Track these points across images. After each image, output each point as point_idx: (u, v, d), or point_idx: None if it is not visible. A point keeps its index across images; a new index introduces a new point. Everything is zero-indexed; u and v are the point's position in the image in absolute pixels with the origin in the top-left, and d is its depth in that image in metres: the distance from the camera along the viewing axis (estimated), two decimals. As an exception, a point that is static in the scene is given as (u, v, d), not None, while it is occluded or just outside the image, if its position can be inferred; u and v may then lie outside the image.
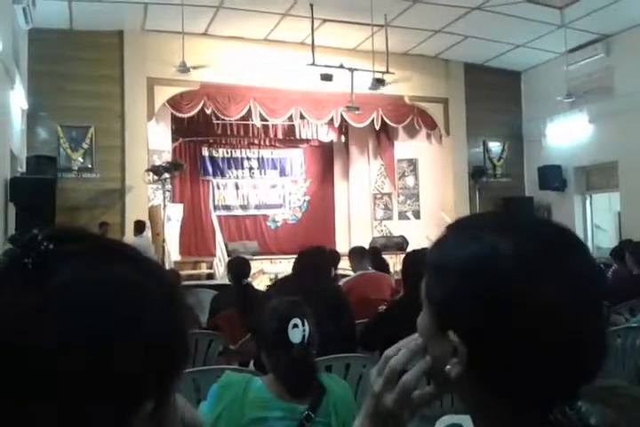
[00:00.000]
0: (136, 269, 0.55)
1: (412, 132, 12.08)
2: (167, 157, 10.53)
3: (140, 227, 8.56)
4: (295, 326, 1.89)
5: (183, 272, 9.58)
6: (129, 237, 8.65)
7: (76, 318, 0.49)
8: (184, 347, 0.58)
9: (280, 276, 6.35)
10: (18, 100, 7.71)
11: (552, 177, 10.71)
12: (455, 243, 0.67)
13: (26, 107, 8.33)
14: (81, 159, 9.05)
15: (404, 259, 3.75)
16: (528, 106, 11.73)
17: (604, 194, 10.58)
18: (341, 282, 4.92)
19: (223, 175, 13.17)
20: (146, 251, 7.90)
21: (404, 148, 12.44)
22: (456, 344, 0.62)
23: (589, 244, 10.48)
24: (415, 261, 3.47)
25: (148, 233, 8.95)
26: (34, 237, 0.51)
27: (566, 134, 10.61)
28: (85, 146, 9.07)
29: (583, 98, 9.94)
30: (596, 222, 10.71)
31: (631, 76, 9.24)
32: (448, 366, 0.63)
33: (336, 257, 5.63)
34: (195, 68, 9.03)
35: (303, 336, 1.88)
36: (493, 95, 11.35)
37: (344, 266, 6.04)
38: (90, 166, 9.09)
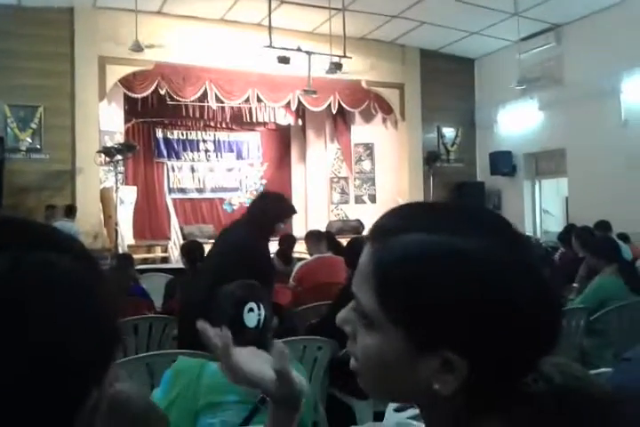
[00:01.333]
0: (63, 255, 0.51)
1: (368, 117, 12.13)
2: (120, 138, 10.27)
3: (69, 211, 8.22)
4: (251, 309, 1.91)
5: (137, 256, 9.43)
6: (79, 218, 8.45)
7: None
8: (120, 331, 0.57)
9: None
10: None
11: (502, 163, 10.97)
12: (416, 250, 0.59)
13: (-30, 84, 8.00)
14: (29, 139, 8.75)
15: (349, 246, 3.79)
16: (481, 93, 11.93)
17: (553, 180, 10.91)
18: (297, 265, 4.96)
19: (178, 158, 12.96)
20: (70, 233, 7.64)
21: (360, 132, 12.50)
22: (452, 360, 0.57)
23: (538, 228, 10.81)
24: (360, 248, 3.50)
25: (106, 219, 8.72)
26: None
27: (517, 121, 10.86)
28: (34, 126, 8.77)
29: (534, 86, 10.17)
30: (545, 207, 11.04)
31: (580, 66, 9.49)
32: (437, 386, 0.59)
33: (292, 241, 5.68)
34: (148, 47, 8.81)
35: (258, 320, 1.90)
36: (448, 81, 11.49)
37: (301, 249, 6.08)
38: (39, 147, 8.80)
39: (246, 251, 2.99)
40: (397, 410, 1.06)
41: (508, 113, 11.06)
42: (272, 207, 3.12)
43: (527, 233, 8.62)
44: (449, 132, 11.85)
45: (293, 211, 3.22)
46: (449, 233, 0.59)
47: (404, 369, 0.60)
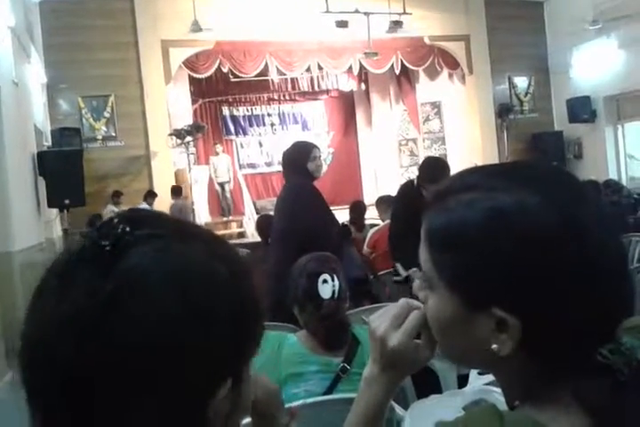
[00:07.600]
0: (206, 250, 0.54)
1: (433, 75, 11.75)
2: (188, 119, 10.50)
3: (176, 191, 8.97)
4: (325, 281, 1.91)
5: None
6: (162, 200, 8.76)
7: (150, 304, 0.48)
8: (259, 318, 0.58)
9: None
10: (36, 74, 7.71)
11: (581, 109, 10.34)
12: (462, 209, 0.59)
13: (45, 80, 8.34)
14: (104, 128, 9.08)
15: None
16: (553, 37, 11.22)
17: (637, 122, 10.22)
18: (370, 232, 4.94)
19: (245, 133, 13.12)
20: (183, 212, 8.18)
21: (426, 91, 12.15)
22: (505, 318, 0.56)
23: (623, 175, 10.24)
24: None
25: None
26: (110, 219, 0.52)
27: (594, 63, 10.17)
28: (107, 115, 9.08)
29: (611, 23, 9.45)
30: (629, 152, 10.40)
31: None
32: (495, 346, 0.58)
33: (362, 207, 5.65)
34: (207, 26, 8.86)
35: (333, 291, 1.90)
36: (516, 28, 10.88)
37: (373, 216, 6.05)
38: (114, 135, 9.13)
39: (295, 195, 3.14)
40: (481, 373, 1.05)
41: (584, 55, 10.36)
42: (291, 152, 3.28)
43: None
44: (521, 81, 11.28)
45: (311, 144, 3.34)
46: (493, 191, 0.58)
47: (462, 330, 0.61)
